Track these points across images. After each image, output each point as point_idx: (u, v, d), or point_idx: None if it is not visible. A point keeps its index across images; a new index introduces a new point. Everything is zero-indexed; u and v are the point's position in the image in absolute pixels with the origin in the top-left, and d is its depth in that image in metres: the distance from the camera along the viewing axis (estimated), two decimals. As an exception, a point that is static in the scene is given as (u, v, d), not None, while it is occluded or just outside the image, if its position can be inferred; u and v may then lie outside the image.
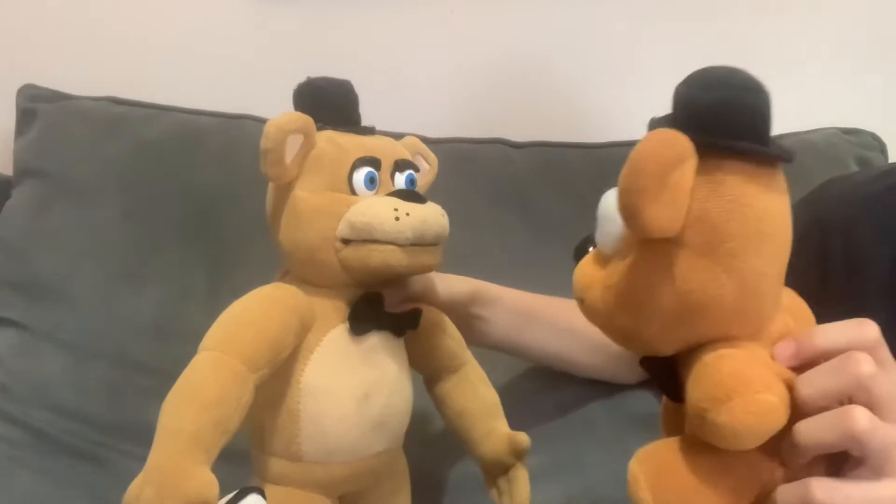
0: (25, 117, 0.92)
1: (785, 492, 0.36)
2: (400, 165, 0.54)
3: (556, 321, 0.71)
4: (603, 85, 1.00)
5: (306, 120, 0.50)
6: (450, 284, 0.65)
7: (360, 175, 0.51)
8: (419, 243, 0.51)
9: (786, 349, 0.37)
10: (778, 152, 0.36)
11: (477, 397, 0.60)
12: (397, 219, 0.49)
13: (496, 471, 0.60)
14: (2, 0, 0.99)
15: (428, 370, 0.60)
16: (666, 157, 0.33)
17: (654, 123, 0.37)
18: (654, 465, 0.38)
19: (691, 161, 0.34)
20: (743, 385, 0.34)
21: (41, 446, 0.75)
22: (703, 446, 0.37)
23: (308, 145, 0.50)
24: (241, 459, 0.53)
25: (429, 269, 0.53)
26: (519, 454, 0.58)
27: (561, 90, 1.01)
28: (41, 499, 0.71)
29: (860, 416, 0.34)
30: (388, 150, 0.54)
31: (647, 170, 0.33)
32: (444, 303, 0.62)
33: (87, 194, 0.86)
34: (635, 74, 0.99)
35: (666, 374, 0.40)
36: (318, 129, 0.52)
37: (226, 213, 0.86)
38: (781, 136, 0.96)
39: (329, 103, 0.53)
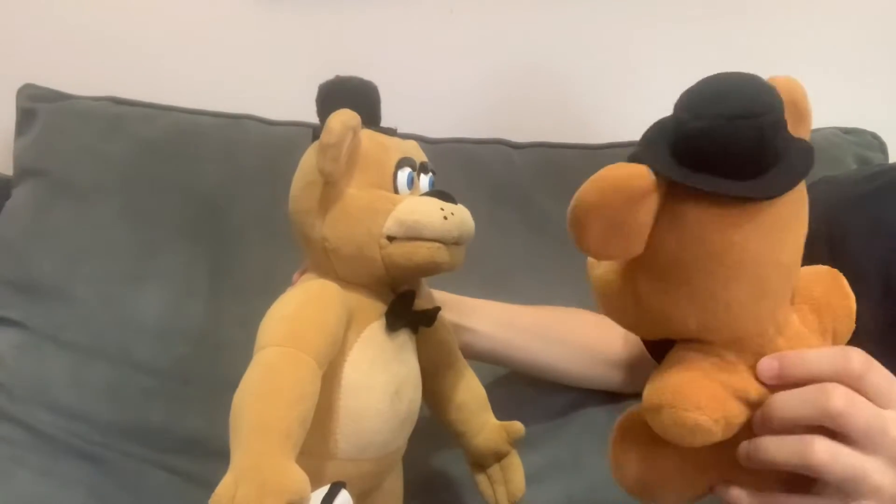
0: (25, 117, 0.92)
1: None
2: (423, 167, 0.55)
3: (546, 332, 0.71)
4: (603, 86, 1.00)
5: (359, 118, 0.50)
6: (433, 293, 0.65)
7: (404, 175, 0.53)
8: (458, 242, 0.53)
9: (769, 369, 0.38)
10: (740, 192, 0.34)
11: (470, 391, 0.62)
12: (445, 218, 0.51)
13: (488, 461, 0.62)
14: (2, 0, 0.99)
15: (428, 364, 0.60)
16: (615, 200, 0.34)
17: (651, 131, 0.38)
18: (626, 430, 0.43)
19: (650, 197, 0.35)
20: (677, 400, 0.36)
21: (42, 446, 0.75)
22: None
23: (356, 142, 0.51)
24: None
25: (459, 266, 0.55)
26: (515, 442, 0.62)
27: (561, 91, 1.01)
28: (41, 499, 0.71)
29: (819, 448, 0.36)
30: (414, 152, 0.55)
31: (596, 212, 0.34)
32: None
33: (87, 194, 0.86)
34: (635, 75, 0.99)
35: (659, 351, 0.41)
36: None
37: (226, 213, 0.86)
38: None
39: (359, 102, 0.53)
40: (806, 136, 0.40)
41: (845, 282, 0.43)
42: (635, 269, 0.38)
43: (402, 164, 0.53)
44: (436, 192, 0.54)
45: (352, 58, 0.97)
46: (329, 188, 0.52)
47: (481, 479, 0.63)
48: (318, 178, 0.51)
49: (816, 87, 1.07)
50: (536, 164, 0.92)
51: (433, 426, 0.63)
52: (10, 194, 0.89)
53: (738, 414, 0.37)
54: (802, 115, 0.40)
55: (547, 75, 1.01)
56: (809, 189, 0.62)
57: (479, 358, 0.69)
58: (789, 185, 0.35)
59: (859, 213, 0.56)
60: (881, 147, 0.95)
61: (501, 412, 0.63)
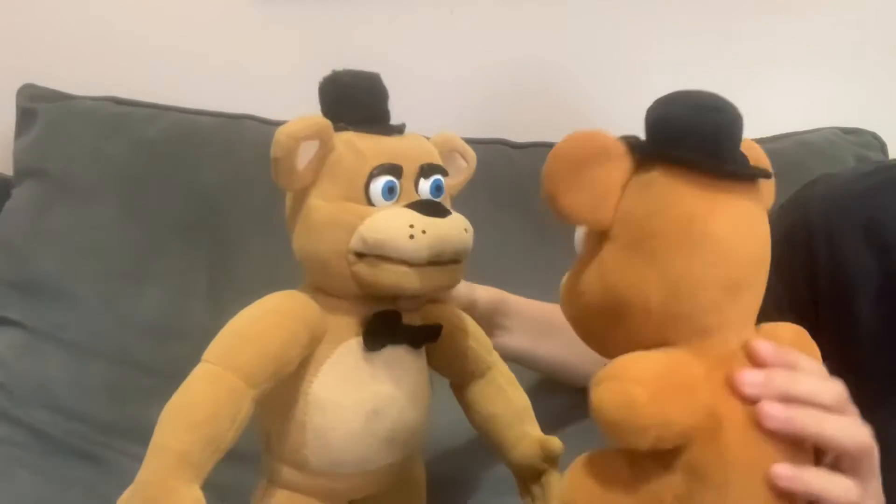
0: (25, 117, 0.92)
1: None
2: (425, 171, 0.50)
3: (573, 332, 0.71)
4: (603, 86, 1.00)
5: (321, 125, 0.47)
6: (473, 291, 0.64)
7: (378, 185, 0.48)
8: (435, 262, 0.48)
9: (755, 377, 0.36)
10: (706, 163, 0.36)
11: (505, 401, 0.58)
12: (412, 237, 0.46)
13: (529, 476, 0.57)
14: (2, 0, 0.99)
15: (453, 375, 0.58)
16: (582, 151, 0.37)
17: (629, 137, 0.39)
18: (582, 473, 0.39)
19: (619, 162, 0.37)
20: (620, 372, 0.35)
21: (41, 446, 0.75)
22: (618, 458, 0.38)
23: (325, 150, 0.48)
24: (246, 460, 0.53)
25: (445, 288, 0.51)
26: (551, 459, 0.56)
27: (561, 91, 1.01)
28: (41, 499, 0.71)
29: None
30: (412, 154, 0.50)
31: (563, 158, 0.37)
32: (464, 308, 0.61)
33: (87, 194, 0.86)
34: (636, 75, 0.99)
35: None
36: (340, 129, 0.49)
37: (226, 213, 0.86)
38: (782, 136, 0.96)
39: (354, 100, 0.50)
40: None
41: (809, 337, 0.42)
42: (602, 243, 0.38)
43: (377, 172, 0.48)
44: (418, 203, 0.48)
45: (352, 58, 0.96)
46: (297, 198, 0.49)
47: (527, 499, 0.58)
48: None
49: (816, 87, 1.08)
50: (536, 164, 0.91)
51: (460, 431, 0.62)
52: (10, 194, 0.89)
53: (681, 412, 0.34)
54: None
55: (547, 75, 1.01)
56: (808, 186, 0.62)
57: (508, 357, 0.66)
58: (749, 175, 0.38)
59: (856, 210, 0.56)
60: (881, 147, 0.96)
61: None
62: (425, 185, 0.51)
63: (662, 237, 0.36)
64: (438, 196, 0.52)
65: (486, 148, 0.94)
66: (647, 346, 0.37)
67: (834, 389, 0.38)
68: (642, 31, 0.99)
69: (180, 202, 0.86)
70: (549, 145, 1.08)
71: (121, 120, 0.90)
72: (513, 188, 0.90)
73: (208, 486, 0.43)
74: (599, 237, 0.38)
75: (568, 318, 0.42)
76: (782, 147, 0.93)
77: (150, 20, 1.00)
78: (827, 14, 1.00)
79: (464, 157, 0.57)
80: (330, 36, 0.99)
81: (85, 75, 0.96)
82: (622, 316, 0.38)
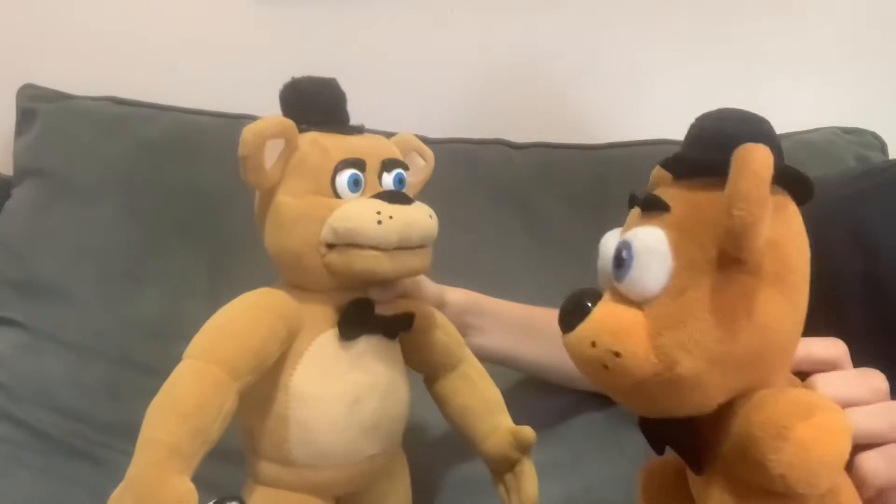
0: (25, 117, 0.92)
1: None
2: (387, 165, 0.52)
3: (556, 333, 0.71)
4: (603, 86, 1.00)
5: (285, 124, 0.49)
6: (444, 293, 0.64)
7: (344, 178, 0.50)
8: (404, 246, 0.49)
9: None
10: (811, 186, 0.35)
11: (477, 394, 0.59)
12: (380, 223, 0.48)
13: (502, 467, 0.59)
14: (2, 0, 0.99)
15: (425, 368, 0.59)
16: (770, 172, 0.30)
17: (676, 158, 0.35)
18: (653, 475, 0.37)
19: None
20: (821, 402, 0.31)
21: (41, 446, 0.75)
22: None
23: (290, 149, 0.50)
24: (238, 458, 0.53)
25: (416, 272, 0.53)
26: (524, 448, 0.58)
27: (561, 91, 1.01)
28: (41, 499, 0.71)
29: None
30: (374, 150, 0.52)
31: (763, 178, 0.29)
32: (435, 306, 0.61)
33: (87, 194, 0.86)
34: (635, 75, 0.99)
35: (688, 439, 0.35)
36: (302, 130, 0.51)
37: (226, 213, 0.86)
38: (782, 136, 0.96)
39: (314, 103, 0.52)
40: None
41: None
42: (746, 283, 0.32)
43: (342, 166, 0.50)
44: (383, 193, 0.50)
45: (352, 58, 0.97)
46: (265, 196, 0.51)
47: (500, 488, 0.60)
48: None
49: (817, 87, 1.08)
50: (536, 164, 0.92)
51: (440, 424, 0.62)
52: (10, 194, 0.89)
53: None
54: None
55: (547, 75, 1.01)
56: None
57: (489, 359, 0.68)
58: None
59: (844, 213, 0.56)
60: (881, 147, 0.96)
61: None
62: (388, 178, 0.52)
63: (799, 272, 0.34)
64: (401, 189, 0.53)
65: (487, 148, 0.94)
66: (750, 390, 0.34)
67: (870, 384, 0.38)
68: (643, 32, 0.99)
69: (180, 202, 0.86)
70: (549, 145, 1.09)
71: (121, 120, 0.90)
72: (513, 188, 0.90)
73: (202, 484, 0.43)
74: (735, 275, 0.32)
75: (642, 382, 0.33)
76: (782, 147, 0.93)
77: (150, 20, 1.00)
78: (827, 14, 1.00)
79: (422, 155, 0.60)
80: (330, 36, 0.99)
81: (85, 75, 0.96)
82: (759, 360, 0.33)
